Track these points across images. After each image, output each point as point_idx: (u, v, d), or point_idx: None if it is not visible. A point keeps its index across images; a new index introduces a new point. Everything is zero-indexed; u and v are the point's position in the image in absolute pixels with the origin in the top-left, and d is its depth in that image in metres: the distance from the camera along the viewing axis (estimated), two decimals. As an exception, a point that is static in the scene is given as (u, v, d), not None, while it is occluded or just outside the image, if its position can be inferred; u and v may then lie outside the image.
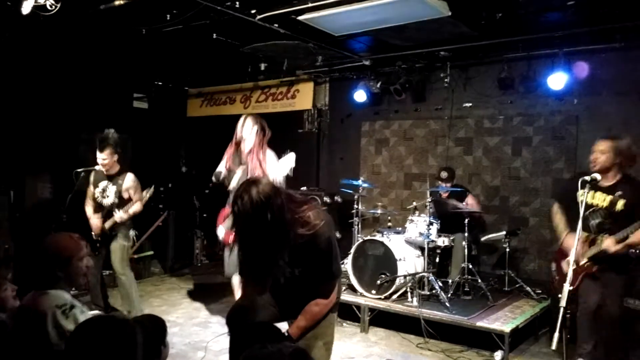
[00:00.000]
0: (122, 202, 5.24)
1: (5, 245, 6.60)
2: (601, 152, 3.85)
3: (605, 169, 3.84)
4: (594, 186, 3.75)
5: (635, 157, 3.89)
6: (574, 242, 3.24)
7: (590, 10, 5.10)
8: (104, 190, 5.26)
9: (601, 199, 3.88)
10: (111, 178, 5.25)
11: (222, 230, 5.10)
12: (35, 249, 2.74)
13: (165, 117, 9.11)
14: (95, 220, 5.29)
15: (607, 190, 3.87)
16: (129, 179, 5.25)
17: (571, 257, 2.95)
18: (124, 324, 1.92)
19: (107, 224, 5.22)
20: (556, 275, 4.31)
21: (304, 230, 2.54)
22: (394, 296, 5.67)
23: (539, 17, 5.32)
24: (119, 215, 5.17)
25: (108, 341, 1.80)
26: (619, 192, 3.82)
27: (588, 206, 3.83)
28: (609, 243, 3.77)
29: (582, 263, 3.88)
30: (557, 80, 5.93)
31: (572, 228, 3.98)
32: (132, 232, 5.39)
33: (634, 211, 3.76)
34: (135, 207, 5.24)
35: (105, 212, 5.26)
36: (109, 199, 5.23)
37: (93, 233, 5.25)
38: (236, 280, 5.21)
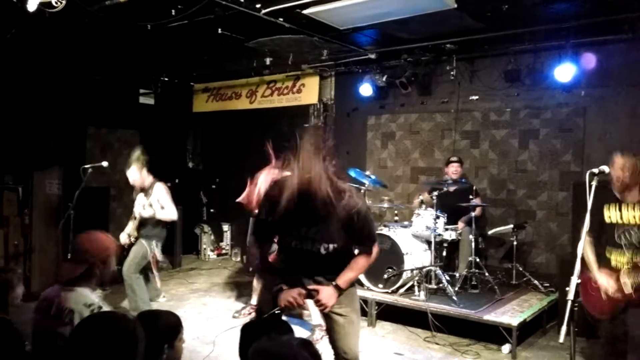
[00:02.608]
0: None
1: (14, 241, 6.66)
2: (621, 169, 3.66)
3: (627, 185, 3.69)
4: (620, 205, 3.67)
5: None
6: (607, 276, 3.41)
7: (598, 1, 5.05)
8: (138, 203, 5.49)
9: (632, 216, 3.68)
10: (144, 190, 5.51)
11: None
12: (75, 244, 2.78)
13: (172, 113, 9.13)
14: (127, 228, 5.60)
15: (636, 207, 3.68)
16: (157, 189, 5.47)
17: (576, 271, 2.85)
18: (123, 319, 1.94)
19: (132, 227, 5.50)
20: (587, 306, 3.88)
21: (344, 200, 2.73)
22: (401, 290, 5.68)
23: (546, 9, 5.27)
24: (140, 210, 5.39)
25: (108, 336, 1.83)
26: None
27: (618, 225, 3.71)
28: None
29: (627, 292, 3.59)
30: (564, 72, 5.87)
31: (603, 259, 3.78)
32: (155, 245, 5.50)
33: None
34: (164, 213, 5.43)
35: (137, 221, 5.50)
36: (140, 208, 5.46)
37: (122, 241, 5.52)
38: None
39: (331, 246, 2.84)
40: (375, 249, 3.02)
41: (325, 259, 2.88)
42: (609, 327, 3.79)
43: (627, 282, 3.59)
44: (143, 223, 5.47)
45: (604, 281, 3.65)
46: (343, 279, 2.90)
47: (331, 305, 2.86)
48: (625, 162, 3.66)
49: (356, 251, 3.07)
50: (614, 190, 3.72)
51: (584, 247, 3.70)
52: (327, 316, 3.00)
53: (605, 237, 3.72)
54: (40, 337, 2.59)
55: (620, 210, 3.71)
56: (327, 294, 2.85)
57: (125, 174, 5.56)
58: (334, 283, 2.88)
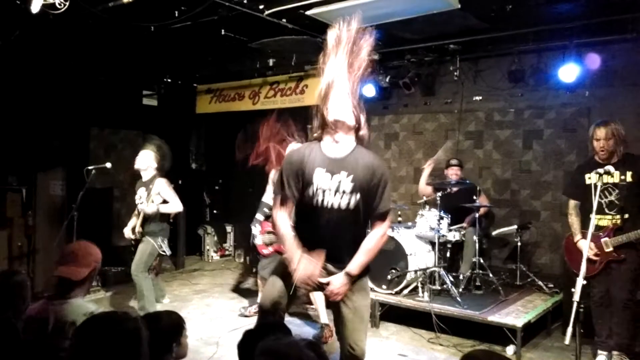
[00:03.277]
0: None
1: (18, 242, 6.67)
2: (605, 138, 3.99)
3: (611, 152, 4.03)
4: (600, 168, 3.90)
5: (625, 137, 4.11)
6: (587, 237, 3.51)
7: (602, 1, 5.03)
8: (140, 197, 5.42)
9: (609, 177, 3.96)
10: (146, 184, 5.43)
11: (260, 240, 5.47)
12: (77, 250, 2.76)
13: (175, 114, 9.13)
14: (130, 223, 5.50)
15: (614, 168, 3.95)
16: (158, 183, 5.37)
17: (584, 251, 2.92)
18: (126, 319, 1.93)
19: (137, 223, 5.39)
20: (570, 265, 4.42)
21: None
22: (405, 291, 5.67)
23: (550, 9, 5.26)
24: (143, 206, 5.31)
25: (110, 336, 1.82)
26: (628, 169, 4.00)
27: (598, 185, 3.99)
28: None
29: (608, 250, 3.92)
30: (568, 72, 5.85)
31: (586, 225, 4.06)
32: (161, 242, 5.45)
33: None
34: (169, 207, 5.39)
35: (141, 216, 5.40)
36: (141, 204, 5.38)
37: (126, 235, 5.49)
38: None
39: (352, 201, 2.83)
40: (387, 222, 2.95)
41: (344, 221, 2.86)
42: (597, 288, 4.15)
43: (608, 242, 3.96)
44: (147, 220, 5.37)
45: (585, 245, 3.86)
46: (354, 265, 2.85)
47: (343, 294, 2.82)
48: (608, 132, 3.99)
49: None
50: (598, 158, 4.05)
51: (570, 214, 4.35)
52: (338, 310, 2.98)
53: (588, 200, 3.99)
54: (40, 354, 2.54)
55: (600, 176, 3.97)
56: (338, 283, 2.81)
57: (130, 174, 5.50)
58: (345, 271, 2.83)
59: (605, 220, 4.06)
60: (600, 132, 4.02)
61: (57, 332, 2.49)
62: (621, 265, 3.99)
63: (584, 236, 4.10)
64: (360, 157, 2.88)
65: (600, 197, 3.99)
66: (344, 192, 2.84)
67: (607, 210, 4.05)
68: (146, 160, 5.40)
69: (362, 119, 2.91)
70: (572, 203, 4.37)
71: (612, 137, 4.01)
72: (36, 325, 2.54)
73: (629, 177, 3.98)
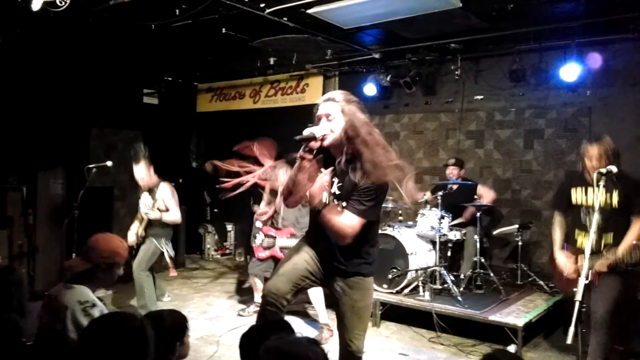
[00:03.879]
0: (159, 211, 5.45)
1: (18, 241, 6.67)
2: (597, 158, 3.79)
3: None
4: (586, 187, 3.84)
5: (619, 153, 3.86)
6: (566, 256, 3.70)
7: (603, 1, 5.03)
8: (144, 203, 5.44)
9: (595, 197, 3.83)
10: (150, 189, 5.45)
11: (260, 239, 5.58)
12: (88, 242, 2.77)
13: (175, 113, 9.13)
14: (133, 227, 5.56)
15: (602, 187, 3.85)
16: (162, 188, 5.40)
17: (587, 252, 2.91)
18: (132, 319, 1.94)
19: (140, 228, 5.43)
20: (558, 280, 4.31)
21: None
22: (406, 290, 5.66)
23: (551, 8, 5.25)
24: (147, 211, 5.33)
25: (118, 335, 1.83)
26: (614, 188, 3.80)
27: (583, 207, 3.90)
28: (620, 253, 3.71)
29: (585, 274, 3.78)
30: (569, 72, 5.85)
31: (568, 235, 4.07)
32: (165, 243, 5.47)
33: (629, 205, 3.77)
34: (169, 216, 5.40)
35: (145, 221, 5.44)
36: (146, 209, 5.40)
37: (128, 240, 5.45)
38: (257, 280, 5.71)
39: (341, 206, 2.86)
40: (353, 225, 2.78)
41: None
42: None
43: (585, 266, 3.57)
44: (150, 223, 5.42)
45: (562, 262, 3.90)
46: (328, 207, 2.83)
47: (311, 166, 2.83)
48: (600, 151, 3.79)
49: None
50: (587, 176, 3.85)
51: (553, 227, 4.23)
52: (338, 307, 3.03)
53: (572, 217, 3.99)
54: (43, 334, 2.60)
55: (585, 192, 3.89)
56: (325, 176, 2.85)
57: (131, 174, 5.51)
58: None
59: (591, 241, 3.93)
60: (593, 150, 3.82)
61: (55, 313, 2.54)
62: (601, 285, 3.78)
63: (564, 247, 4.06)
64: (356, 167, 2.85)
65: (584, 219, 3.88)
66: (334, 195, 2.91)
67: (588, 230, 3.84)
68: (144, 173, 5.42)
69: (358, 128, 2.93)
70: (557, 216, 4.22)
71: (603, 157, 3.80)
72: (48, 303, 2.64)
73: (614, 196, 3.81)
